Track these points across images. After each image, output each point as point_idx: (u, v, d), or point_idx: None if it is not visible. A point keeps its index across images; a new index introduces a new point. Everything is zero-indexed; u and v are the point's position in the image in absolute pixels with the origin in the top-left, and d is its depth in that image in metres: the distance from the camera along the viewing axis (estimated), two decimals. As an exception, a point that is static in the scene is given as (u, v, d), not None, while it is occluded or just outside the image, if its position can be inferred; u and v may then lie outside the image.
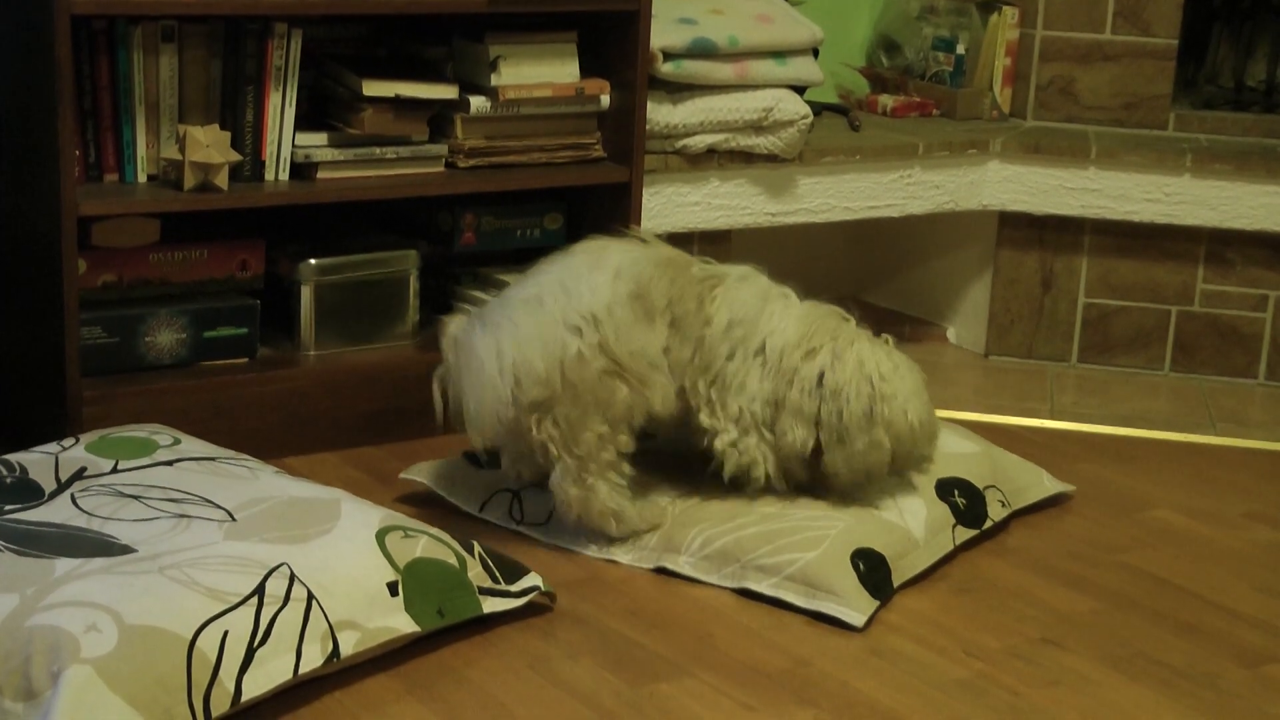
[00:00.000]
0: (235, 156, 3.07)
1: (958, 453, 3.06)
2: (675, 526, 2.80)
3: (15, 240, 3.11)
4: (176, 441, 2.78)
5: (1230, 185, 3.92)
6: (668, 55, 3.53)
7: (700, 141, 3.62)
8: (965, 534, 2.91)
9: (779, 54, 3.70)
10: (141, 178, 3.08)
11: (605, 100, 3.42)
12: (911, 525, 2.82)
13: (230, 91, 3.12)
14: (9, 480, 2.60)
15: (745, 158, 3.70)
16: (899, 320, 4.25)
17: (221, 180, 3.04)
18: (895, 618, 2.65)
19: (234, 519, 2.49)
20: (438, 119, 3.31)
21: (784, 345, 2.78)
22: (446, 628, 2.48)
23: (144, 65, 3.04)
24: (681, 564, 2.76)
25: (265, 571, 2.33)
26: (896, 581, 2.72)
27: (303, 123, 3.21)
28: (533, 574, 2.61)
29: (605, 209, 3.46)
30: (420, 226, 3.49)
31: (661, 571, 2.77)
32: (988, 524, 2.96)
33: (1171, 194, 3.95)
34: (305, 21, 3.17)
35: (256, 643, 2.24)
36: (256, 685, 2.22)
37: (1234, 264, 3.99)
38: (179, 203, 3.02)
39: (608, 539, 2.80)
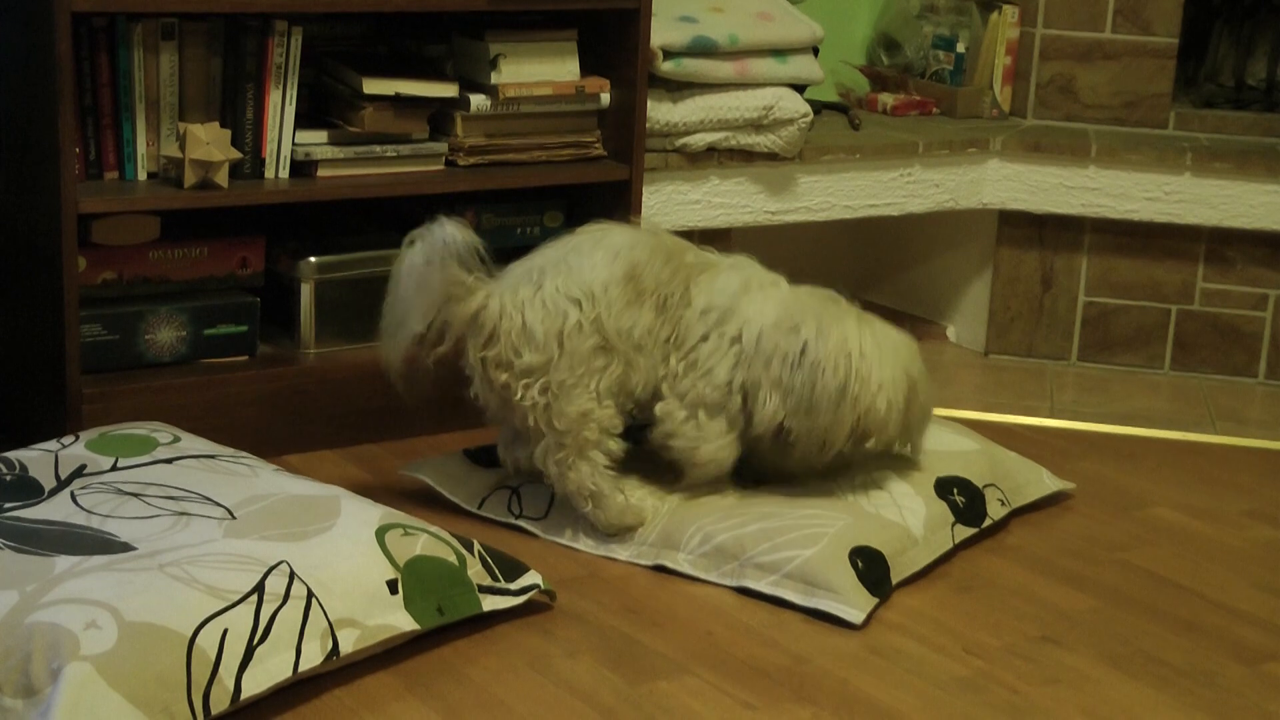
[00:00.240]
0: (235, 154, 3.07)
1: (957, 451, 3.07)
2: (674, 523, 2.80)
3: (15, 237, 3.11)
4: (176, 439, 2.78)
5: (1230, 184, 3.92)
6: (668, 53, 3.53)
7: (700, 140, 3.62)
8: (964, 532, 2.91)
9: (779, 52, 3.70)
10: (142, 175, 3.08)
11: (605, 98, 3.42)
12: (910, 523, 2.82)
13: (230, 89, 3.12)
14: (9, 478, 2.60)
15: (745, 156, 3.70)
16: (899, 319, 4.23)
17: (222, 178, 3.04)
18: (894, 616, 2.65)
19: (234, 516, 2.49)
20: (438, 117, 3.31)
21: (762, 329, 2.79)
22: (446, 626, 2.48)
23: (144, 63, 3.04)
24: (680, 561, 2.76)
25: (265, 569, 2.33)
26: (895, 579, 2.72)
27: (303, 120, 3.21)
28: (532, 572, 2.61)
29: (605, 207, 3.46)
30: (420, 224, 3.49)
31: (660, 569, 2.77)
32: (987, 522, 2.96)
33: (1172, 193, 3.95)
34: (305, 19, 3.17)
35: (256, 640, 2.24)
36: (256, 683, 2.22)
37: (1234, 263, 4.00)
38: (179, 200, 3.02)
39: (601, 533, 2.81)
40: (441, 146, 3.30)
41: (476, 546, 2.58)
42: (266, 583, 2.31)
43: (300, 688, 2.31)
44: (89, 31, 2.98)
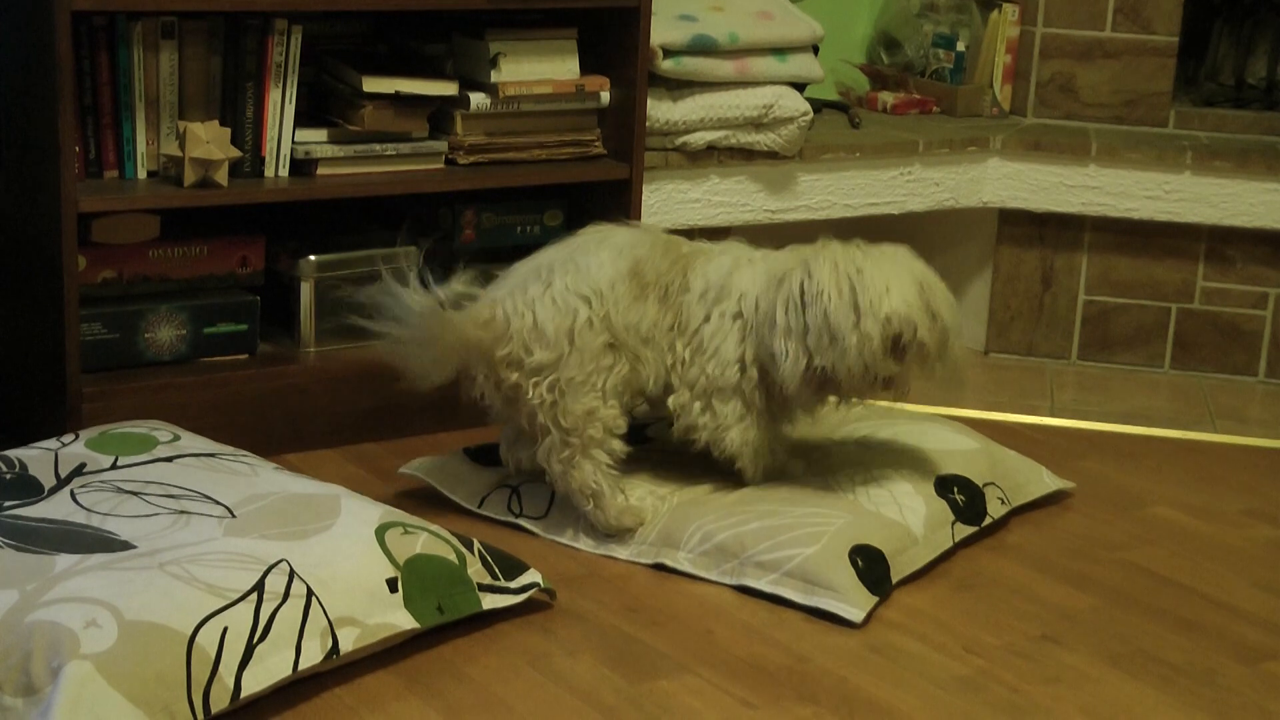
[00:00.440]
0: (235, 153, 3.07)
1: (957, 449, 3.07)
2: (674, 522, 2.80)
3: (15, 236, 3.11)
4: (176, 438, 2.78)
5: (1230, 182, 3.92)
6: (668, 52, 3.53)
7: (700, 138, 3.62)
8: (964, 531, 2.91)
9: (779, 51, 3.70)
10: (141, 174, 3.08)
11: (605, 97, 3.42)
12: (910, 522, 2.82)
13: (230, 88, 3.12)
14: (8, 476, 2.60)
15: (745, 155, 3.70)
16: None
17: (221, 176, 3.04)
18: (894, 614, 2.65)
19: (233, 515, 2.49)
20: (438, 115, 3.31)
21: (757, 295, 2.80)
22: (446, 624, 2.48)
23: (144, 61, 3.04)
24: (680, 560, 2.76)
25: (265, 568, 2.33)
26: (895, 578, 2.72)
27: (303, 119, 3.21)
28: (532, 570, 2.61)
29: (605, 206, 3.46)
30: (420, 223, 3.49)
31: (660, 568, 2.77)
32: (987, 521, 2.96)
33: (1172, 191, 3.95)
34: (305, 18, 3.17)
35: (256, 639, 2.24)
36: (256, 681, 2.22)
37: (1234, 261, 4.00)
38: (179, 199, 3.02)
39: (601, 532, 2.81)
40: (441, 145, 3.30)
41: (476, 545, 2.58)
42: (266, 581, 2.31)
43: (300, 686, 2.31)
44: (89, 30, 2.98)
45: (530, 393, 2.75)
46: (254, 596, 2.28)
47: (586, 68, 3.42)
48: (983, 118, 4.22)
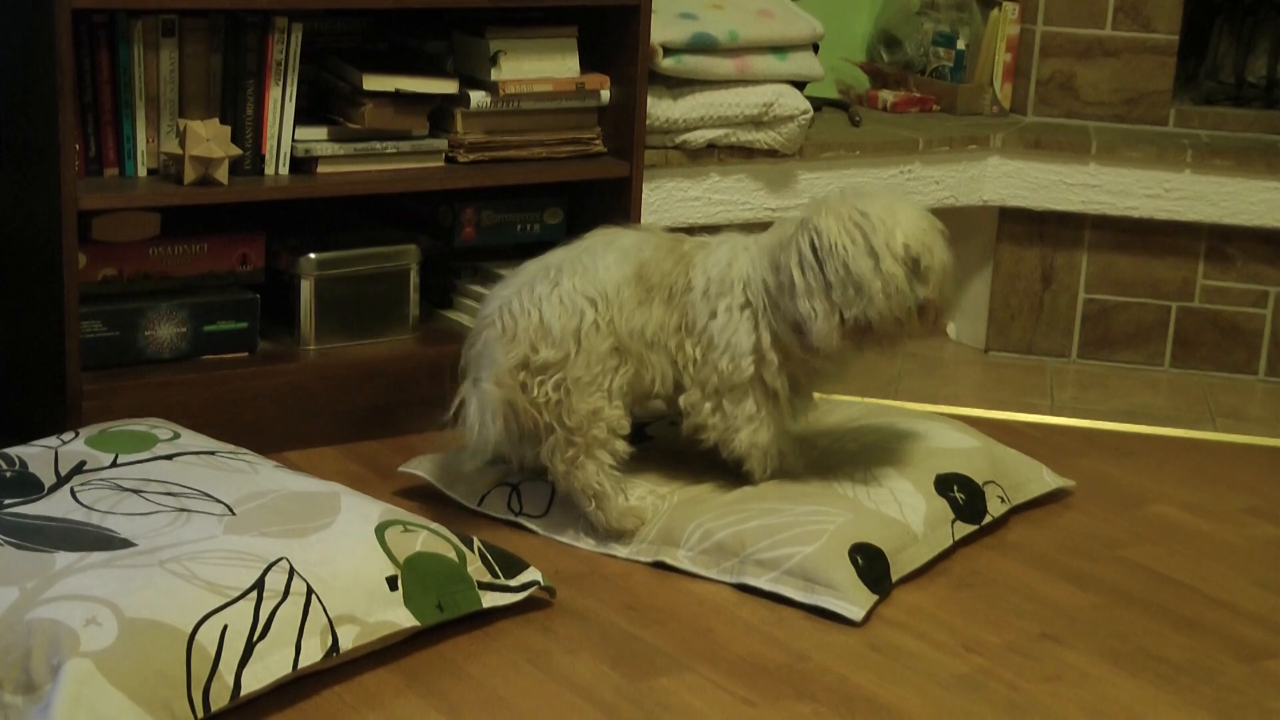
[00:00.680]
0: (235, 151, 3.07)
1: (957, 448, 3.07)
2: (674, 520, 2.80)
3: (15, 234, 3.11)
4: (176, 435, 2.78)
5: (1231, 181, 3.92)
6: (668, 50, 3.53)
7: (700, 136, 3.62)
8: (964, 529, 2.91)
9: (779, 49, 3.70)
10: (142, 172, 3.08)
11: (605, 95, 3.42)
12: (910, 520, 2.82)
13: (231, 86, 3.12)
14: (9, 474, 2.60)
15: (745, 153, 3.70)
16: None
17: (222, 174, 3.04)
18: (894, 612, 2.65)
19: (234, 513, 2.49)
20: (438, 114, 3.31)
21: (762, 276, 2.80)
22: (446, 622, 2.49)
23: (144, 59, 3.04)
24: (680, 558, 2.76)
25: (265, 566, 2.33)
26: (895, 576, 2.72)
27: (303, 117, 3.21)
28: (532, 568, 2.61)
29: (605, 204, 3.46)
30: (420, 221, 3.49)
31: (660, 566, 2.77)
32: (987, 519, 2.96)
33: (1172, 190, 3.95)
34: (305, 16, 3.17)
35: (256, 637, 2.24)
36: (256, 679, 2.22)
37: (1234, 260, 3.99)
38: (179, 197, 3.02)
39: (599, 530, 2.82)
40: (441, 143, 3.30)
41: (476, 543, 2.58)
42: (266, 579, 2.31)
43: (300, 684, 2.31)
44: (89, 28, 2.98)
45: (536, 391, 2.75)
46: (254, 594, 2.28)
47: (587, 66, 3.42)
48: (983, 116, 4.22)
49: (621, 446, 2.79)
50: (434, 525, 2.58)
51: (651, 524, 2.82)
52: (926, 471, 2.95)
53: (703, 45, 3.57)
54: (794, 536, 2.70)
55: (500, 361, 2.75)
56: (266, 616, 2.26)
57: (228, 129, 3.07)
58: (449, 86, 3.28)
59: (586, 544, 2.83)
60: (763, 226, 3.81)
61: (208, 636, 2.20)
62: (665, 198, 3.63)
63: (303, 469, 2.95)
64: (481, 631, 2.52)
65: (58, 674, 2.09)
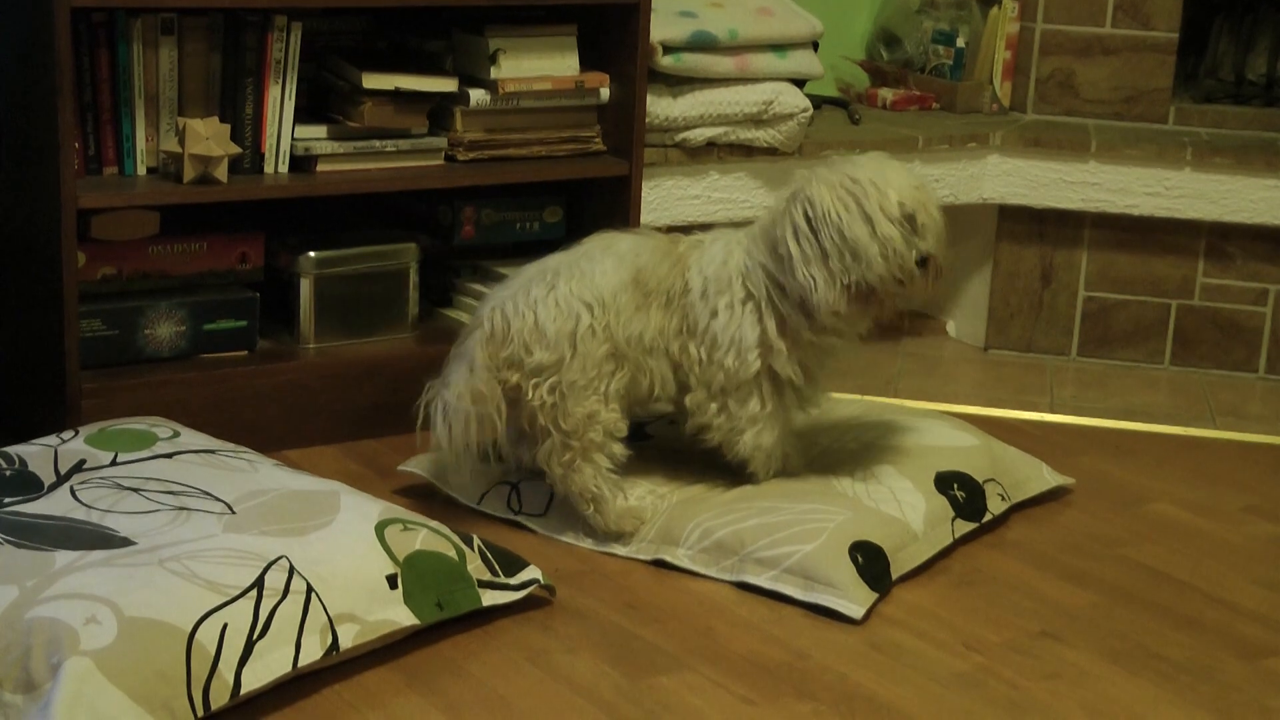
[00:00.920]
0: (235, 149, 3.07)
1: (957, 446, 3.07)
2: (674, 519, 2.80)
3: (15, 233, 3.11)
4: (176, 434, 2.78)
5: (1230, 179, 3.92)
6: (667, 48, 3.53)
7: (700, 135, 3.62)
8: (964, 527, 2.91)
9: (779, 47, 3.70)
10: (141, 170, 3.08)
11: (605, 93, 3.42)
12: (910, 518, 2.82)
13: (230, 84, 3.12)
14: (8, 473, 2.60)
15: (745, 151, 3.70)
16: (898, 314, 4.24)
17: (221, 173, 3.04)
18: (894, 611, 2.65)
19: (233, 512, 2.49)
20: (437, 112, 3.31)
21: (759, 263, 2.79)
22: (446, 621, 2.49)
23: (144, 58, 3.04)
24: (680, 556, 2.76)
25: (264, 564, 2.33)
26: (895, 574, 2.72)
27: (302, 115, 3.21)
28: (532, 567, 2.61)
29: (605, 202, 3.46)
30: (420, 220, 3.49)
31: (660, 564, 2.77)
32: (987, 517, 2.96)
33: (1172, 187, 3.95)
34: (305, 14, 3.17)
35: (256, 635, 2.24)
36: (256, 678, 2.22)
37: (1234, 257, 3.99)
38: (178, 195, 3.02)
39: (598, 533, 2.81)
40: (441, 141, 3.30)
41: (476, 541, 2.58)
42: (266, 578, 2.31)
43: (300, 683, 2.31)
44: (88, 27, 2.98)
45: (531, 394, 2.75)
46: (254, 593, 2.28)
47: (586, 64, 3.41)
48: (982, 114, 4.22)
49: (618, 449, 2.79)
50: (434, 524, 2.58)
51: (651, 523, 2.82)
52: (926, 469, 2.95)
53: (702, 43, 3.57)
54: (794, 535, 2.70)
55: (479, 360, 2.75)
56: (266, 615, 2.26)
57: (227, 127, 3.06)
58: (448, 85, 3.28)
59: (586, 542, 2.83)
60: (762, 225, 3.83)
61: (207, 635, 2.20)
62: (665, 196, 3.63)
63: (302, 467, 2.95)
64: (481, 630, 2.52)
65: (57, 673, 2.09)
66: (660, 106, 3.54)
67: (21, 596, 2.21)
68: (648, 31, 3.39)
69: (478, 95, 3.30)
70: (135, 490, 2.55)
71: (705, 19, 3.61)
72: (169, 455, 2.69)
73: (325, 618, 2.32)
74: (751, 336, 2.79)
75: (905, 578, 2.75)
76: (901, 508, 2.83)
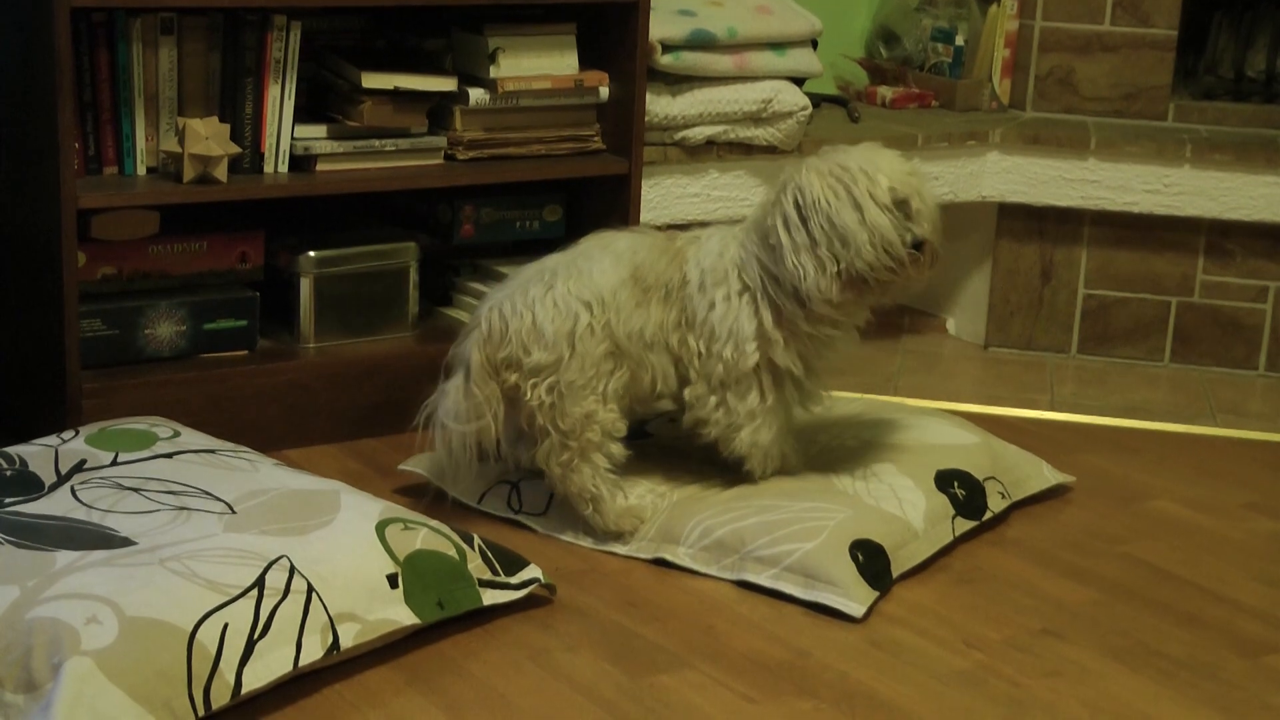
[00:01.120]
0: (234, 149, 3.07)
1: (957, 444, 3.07)
2: (674, 517, 2.80)
3: (15, 233, 3.11)
4: (176, 434, 2.78)
5: (1230, 176, 3.92)
6: (666, 47, 3.53)
7: (699, 133, 3.62)
8: (965, 525, 2.91)
9: (778, 45, 3.70)
10: (141, 170, 3.08)
11: (604, 92, 3.42)
12: (910, 516, 2.82)
13: (229, 84, 3.12)
14: (9, 473, 2.60)
15: (744, 149, 3.70)
16: (898, 312, 4.25)
17: (221, 173, 3.04)
18: (895, 609, 2.65)
19: (234, 511, 2.49)
20: (437, 111, 3.31)
21: (754, 256, 2.79)
22: (446, 620, 2.49)
23: (143, 58, 3.04)
24: (680, 555, 2.76)
25: (265, 564, 2.33)
26: (895, 572, 2.72)
27: (302, 115, 3.21)
28: (532, 566, 2.61)
29: (604, 201, 3.46)
30: (420, 219, 3.49)
31: (660, 563, 2.77)
32: (987, 515, 2.96)
33: (1171, 185, 3.95)
34: (304, 14, 3.17)
35: (257, 635, 2.24)
36: (257, 677, 2.22)
37: (1234, 255, 3.99)
38: (178, 195, 3.02)
39: (597, 533, 2.81)
40: (440, 140, 3.30)
41: (477, 540, 2.58)
42: (267, 577, 2.31)
43: (301, 682, 2.31)
44: (88, 27, 2.98)
45: (529, 394, 2.75)
46: (254, 592, 2.28)
47: (585, 63, 3.41)
48: (981, 112, 4.22)
49: (617, 449, 2.79)
50: (434, 523, 2.58)
51: (651, 522, 2.82)
52: (926, 467, 2.95)
53: (701, 42, 3.57)
54: (794, 533, 2.70)
55: (475, 361, 2.75)
56: (267, 615, 2.26)
57: (227, 127, 3.07)
58: (448, 84, 3.28)
59: (586, 541, 2.83)
60: (762, 223, 3.82)
61: (208, 635, 2.20)
62: (664, 194, 3.63)
63: (303, 467, 2.95)
64: (482, 629, 2.52)
65: (58, 673, 2.09)
66: (659, 105, 3.54)
67: (22, 597, 2.21)
68: (647, 30, 3.39)
69: (477, 94, 3.30)
70: (136, 490, 2.55)
71: (704, 17, 3.61)
72: (169, 455, 2.69)
73: (326, 617, 2.32)
74: (749, 328, 2.79)
75: (906, 576, 2.75)
76: (902, 506, 2.83)
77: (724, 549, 2.73)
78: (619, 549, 2.80)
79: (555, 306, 2.74)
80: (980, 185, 4.02)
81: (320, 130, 3.21)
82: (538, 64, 3.35)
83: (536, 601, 2.60)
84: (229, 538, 2.40)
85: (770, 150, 3.71)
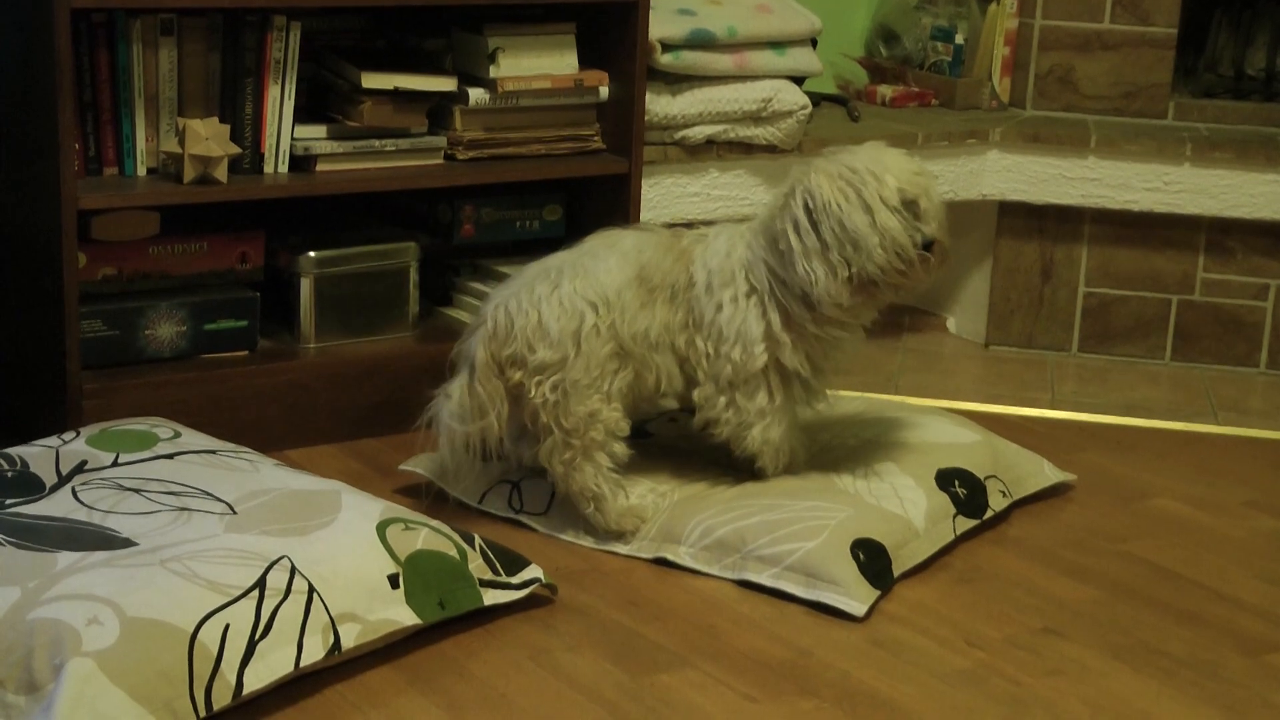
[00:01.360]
0: (235, 149, 3.07)
1: (958, 443, 3.06)
2: (675, 517, 2.80)
3: (15, 234, 3.11)
4: (177, 434, 2.79)
5: (1230, 174, 3.92)
6: (666, 46, 3.53)
7: (699, 132, 3.62)
8: (966, 524, 2.91)
9: (778, 44, 3.70)
10: (141, 171, 3.08)
11: (604, 91, 3.42)
12: (912, 515, 2.82)
13: (229, 84, 3.12)
14: (10, 474, 2.60)
15: (744, 148, 3.70)
16: (898, 310, 4.25)
17: (221, 173, 3.04)
18: (896, 608, 2.65)
19: (235, 512, 2.49)
20: (437, 111, 3.31)
21: (761, 259, 2.79)
22: (447, 620, 2.49)
23: (143, 58, 3.04)
24: (681, 554, 2.76)
25: (266, 564, 2.33)
26: (897, 571, 2.72)
27: (302, 115, 3.21)
28: (533, 565, 2.61)
29: (604, 200, 3.46)
30: (420, 218, 3.49)
31: (661, 562, 2.77)
32: (988, 514, 2.96)
33: (1171, 183, 3.95)
34: (304, 14, 3.17)
35: (258, 635, 2.24)
36: (258, 678, 2.22)
37: (1234, 252, 3.99)
38: (178, 196, 3.02)
39: (598, 532, 2.81)
40: (440, 140, 3.30)
41: (477, 540, 2.58)
42: (268, 578, 2.31)
43: (302, 683, 2.31)
44: (88, 27, 2.98)
45: (533, 392, 2.75)
46: (255, 593, 2.28)
47: (585, 62, 3.41)
48: (981, 110, 4.22)
49: (620, 449, 2.79)
50: (435, 523, 2.58)
51: (652, 521, 2.82)
52: (927, 466, 2.95)
53: (701, 41, 3.57)
54: (795, 532, 2.70)
55: (480, 359, 2.76)
56: (268, 615, 2.26)
57: (227, 127, 3.07)
58: (448, 84, 3.28)
59: (587, 541, 2.83)
60: (762, 222, 3.82)
61: (209, 635, 2.20)
62: (664, 194, 3.63)
63: (303, 467, 2.95)
64: (483, 629, 2.52)
65: (60, 674, 2.09)
66: (659, 104, 3.54)
67: (23, 598, 2.21)
68: (646, 29, 3.39)
69: (477, 94, 3.30)
70: (137, 491, 2.55)
71: (704, 17, 3.61)
72: (170, 456, 2.69)
73: (327, 617, 2.32)
74: (757, 330, 2.79)
75: (907, 575, 2.75)
76: (903, 504, 2.83)
77: (725, 548, 2.73)
78: (620, 548, 2.80)
79: (561, 305, 2.75)
80: (980, 184, 4.02)
81: (320, 130, 3.21)
82: (537, 64, 3.35)
83: (538, 601, 2.60)
84: (230, 538, 2.40)
85: (770, 149, 3.72)
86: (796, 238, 2.73)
